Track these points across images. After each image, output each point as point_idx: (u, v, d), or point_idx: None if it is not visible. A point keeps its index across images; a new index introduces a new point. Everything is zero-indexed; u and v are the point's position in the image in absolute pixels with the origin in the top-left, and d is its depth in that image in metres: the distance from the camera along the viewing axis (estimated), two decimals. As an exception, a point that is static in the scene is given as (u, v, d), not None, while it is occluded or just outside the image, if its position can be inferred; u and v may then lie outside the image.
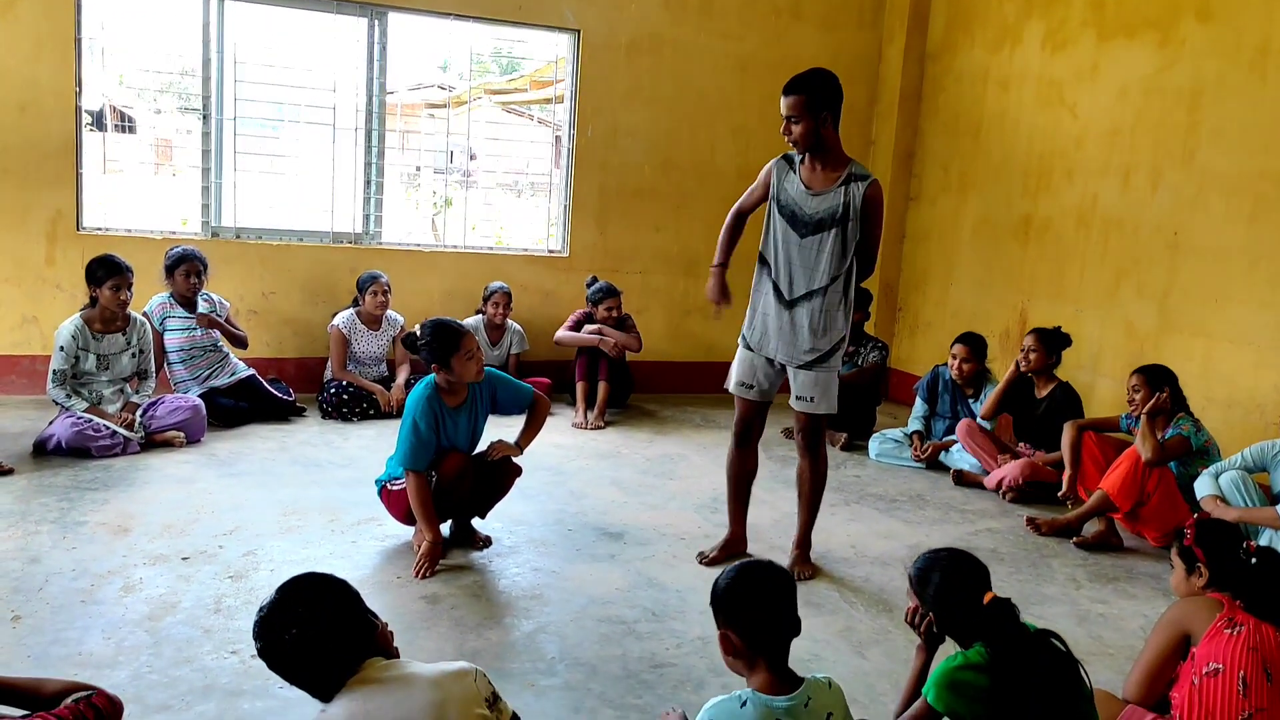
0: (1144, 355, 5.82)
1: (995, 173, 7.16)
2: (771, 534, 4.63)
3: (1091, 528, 4.89)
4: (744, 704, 2.13)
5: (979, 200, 7.32)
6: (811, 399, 4.09)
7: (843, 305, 4.03)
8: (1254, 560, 2.74)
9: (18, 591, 3.51)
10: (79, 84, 6.21)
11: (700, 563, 4.25)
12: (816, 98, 3.86)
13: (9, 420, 5.60)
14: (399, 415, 4.78)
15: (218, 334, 6.13)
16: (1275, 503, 4.45)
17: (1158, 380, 4.87)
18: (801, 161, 4.04)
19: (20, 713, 1.81)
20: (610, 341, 6.85)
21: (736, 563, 2.36)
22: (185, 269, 5.94)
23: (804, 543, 4.28)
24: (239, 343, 6.24)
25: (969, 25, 7.40)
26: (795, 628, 2.25)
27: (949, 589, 2.46)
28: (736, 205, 4.30)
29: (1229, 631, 2.60)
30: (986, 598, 2.42)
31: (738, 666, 2.25)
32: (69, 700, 1.84)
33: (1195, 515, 3.08)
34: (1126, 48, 6.11)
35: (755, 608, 2.21)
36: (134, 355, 5.51)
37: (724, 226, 4.28)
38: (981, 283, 7.31)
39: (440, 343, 4.07)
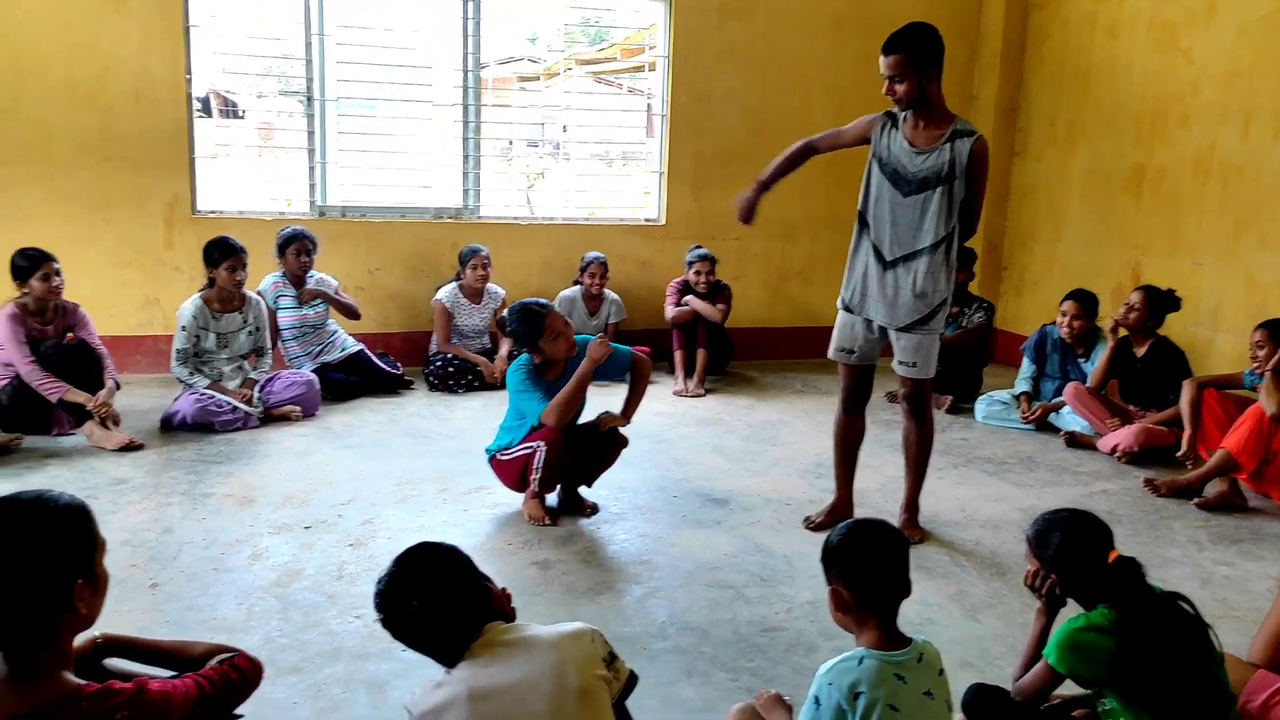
0: (1267, 309, 5.56)
1: (1105, 123, 6.90)
2: (878, 498, 4.60)
3: (1213, 488, 4.72)
4: (860, 661, 2.13)
5: (1088, 152, 7.07)
6: (914, 364, 4.03)
7: (945, 266, 3.92)
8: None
9: (154, 560, 3.70)
10: (189, 72, 6.43)
11: (806, 528, 4.24)
12: (919, 54, 3.76)
13: (137, 398, 5.86)
14: (503, 386, 4.88)
15: (325, 310, 6.31)
16: None
17: (1284, 335, 4.67)
18: (904, 119, 3.96)
19: (169, 673, 1.91)
20: (694, 308, 6.85)
21: (850, 520, 2.35)
22: (296, 248, 6.13)
23: (912, 506, 4.23)
24: (351, 313, 6.40)
25: (1074, -30, 7.13)
26: (906, 588, 2.23)
27: (1071, 549, 2.42)
28: (809, 140, 4.15)
29: (1365, 594, 2.50)
30: (1111, 557, 2.37)
31: (846, 623, 2.25)
32: (213, 661, 1.94)
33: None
34: (1246, -14, 5.81)
35: (869, 563, 2.21)
36: (251, 333, 5.71)
37: (786, 152, 4.15)
38: (1092, 238, 7.07)
39: (526, 328, 4.16)
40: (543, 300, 4.30)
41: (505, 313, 4.29)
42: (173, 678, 1.85)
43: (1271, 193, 5.67)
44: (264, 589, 3.50)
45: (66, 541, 1.68)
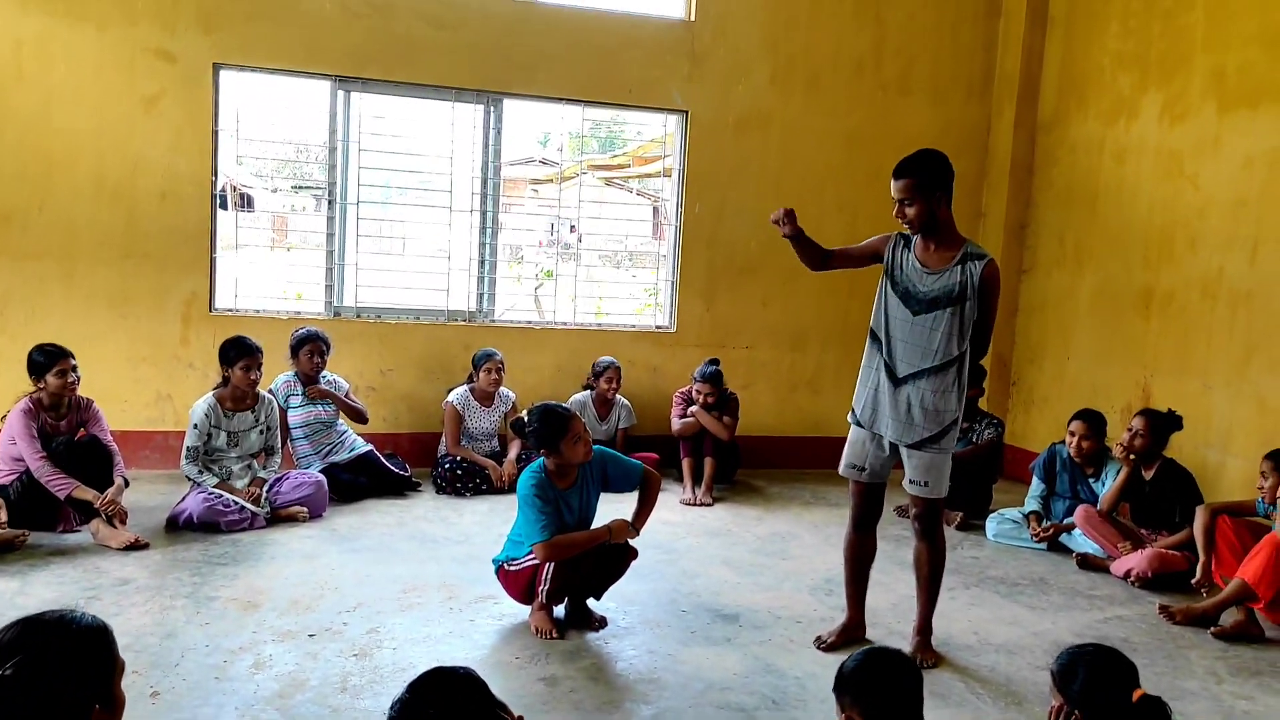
0: (1279, 435, 5.57)
1: (1113, 244, 7.01)
2: (890, 618, 4.53)
3: (1230, 617, 4.64)
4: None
5: (1097, 272, 7.16)
6: (925, 483, 4.02)
7: (956, 385, 3.95)
8: None
9: (155, 667, 3.63)
10: (215, 173, 6.57)
11: (818, 648, 4.17)
12: (928, 179, 3.85)
13: (144, 495, 5.83)
14: (511, 490, 4.87)
15: (335, 410, 6.32)
16: None
17: (1294, 464, 4.65)
18: (915, 240, 4.02)
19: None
20: (701, 422, 6.86)
21: (866, 648, 2.33)
22: (309, 349, 6.18)
23: (925, 629, 4.17)
24: (358, 417, 6.42)
25: (1082, 97, 7.32)
26: None
27: (1096, 687, 2.38)
28: (833, 248, 4.16)
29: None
30: (1136, 695, 2.33)
31: None
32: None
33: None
34: (1250, 119, 5.94)
35: (883, 693, 2.19)
36: (262, 432, 5.72)
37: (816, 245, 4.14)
38: (1101, 356, 7.11)
39: (548, 428, 4.16)
40: (564, 405, 4.33)
41: (525, 414, 4.30)
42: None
43: (1281, 319, 5.73)
44: (266, 700, 3.43)
45: (87, 665, 1.66)
